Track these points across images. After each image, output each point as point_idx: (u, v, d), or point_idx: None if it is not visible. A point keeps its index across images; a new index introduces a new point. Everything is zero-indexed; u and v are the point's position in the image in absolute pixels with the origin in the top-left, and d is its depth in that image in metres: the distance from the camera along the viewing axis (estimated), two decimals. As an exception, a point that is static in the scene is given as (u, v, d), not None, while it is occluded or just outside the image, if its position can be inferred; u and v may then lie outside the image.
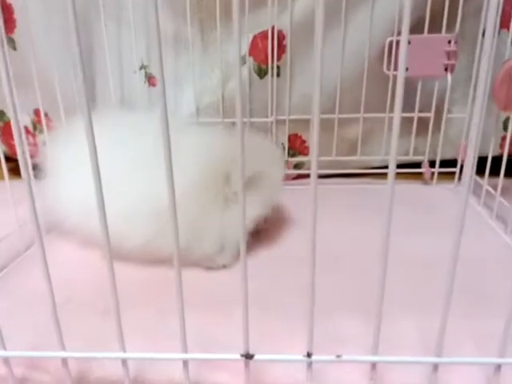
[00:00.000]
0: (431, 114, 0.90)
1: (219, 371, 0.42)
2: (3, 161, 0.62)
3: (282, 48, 0.87)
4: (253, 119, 0.91)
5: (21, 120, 1.02)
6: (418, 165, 0.95)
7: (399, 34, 0.84)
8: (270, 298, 0.53)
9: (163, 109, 0.30)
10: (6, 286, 0.59)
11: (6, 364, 0.40)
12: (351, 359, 0.36)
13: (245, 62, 0.87)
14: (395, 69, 0.86)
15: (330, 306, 0.50)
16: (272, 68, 0.87)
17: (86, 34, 0.92)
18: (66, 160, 0.69)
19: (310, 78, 0.88)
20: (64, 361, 0.39)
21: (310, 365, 0.37)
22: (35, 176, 0.73)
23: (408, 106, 0.90)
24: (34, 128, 1.01)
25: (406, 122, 0.92)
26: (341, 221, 0.76)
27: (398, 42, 0.85)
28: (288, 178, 1.00)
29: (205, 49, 0.91)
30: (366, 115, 0.91)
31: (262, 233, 0.71)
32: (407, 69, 0.82)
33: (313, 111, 0.28)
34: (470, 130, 0.31)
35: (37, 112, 1.00)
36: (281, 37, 0.86)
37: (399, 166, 0.95)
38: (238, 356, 0.37)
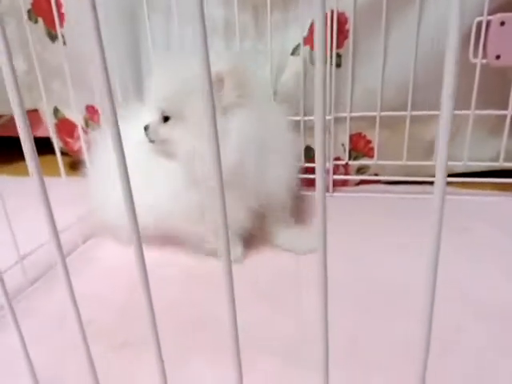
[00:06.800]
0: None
1: None
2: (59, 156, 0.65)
3: (343, 33, 0.75)
4: (307, 117, 0.79)
5: (74, 117, 1.01)
6: (510, 173, 0.79)
7: (491, 12, 0.69)
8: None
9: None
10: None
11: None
12: None
13: (299, 54, 0.76)
14: (484, 56, 0.70)
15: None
16: (331, 56, 0.75)
17: (133, 27, 0.86)
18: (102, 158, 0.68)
19: (376, 69, 0.75)
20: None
21: None
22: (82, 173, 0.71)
23: (500, 101, 0.74)
24: (86, 124, 0.98)
25: (496, 121, 0.76)
26: (405, 236, 0.63)
27: (488, 23, 0.69)
28: (349, 183, 0.88)
29: (259, 38, 0.82)
30: (446, 112, 0.76)
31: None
32: (499, 56, 0.67)
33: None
34: None
35: (88, 109, 0.97)
36: (343, 20, 0.74)
37: (485, 174, 0.80)
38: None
